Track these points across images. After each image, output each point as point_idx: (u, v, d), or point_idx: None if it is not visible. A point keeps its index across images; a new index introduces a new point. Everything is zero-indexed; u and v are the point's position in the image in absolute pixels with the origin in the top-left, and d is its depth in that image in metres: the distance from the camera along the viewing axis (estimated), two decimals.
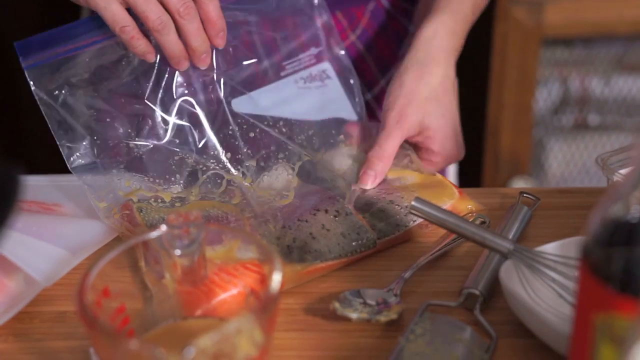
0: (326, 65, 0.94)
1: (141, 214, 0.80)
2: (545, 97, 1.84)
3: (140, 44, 0.82)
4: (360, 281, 0.76)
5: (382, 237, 0.79)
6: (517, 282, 0.69)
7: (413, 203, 0.73)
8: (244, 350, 0.56)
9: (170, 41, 0.82)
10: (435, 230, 0.81)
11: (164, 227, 0.65)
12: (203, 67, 0.86)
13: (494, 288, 0.72)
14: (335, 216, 0.80)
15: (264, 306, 0.58)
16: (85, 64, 0.84)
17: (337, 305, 0.70)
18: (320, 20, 0.94)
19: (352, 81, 0.95)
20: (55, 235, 0.76)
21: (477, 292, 0.71)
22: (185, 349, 0.53)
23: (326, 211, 0.80)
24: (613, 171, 0.77)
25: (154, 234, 0.65)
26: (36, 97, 0.82)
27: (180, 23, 0.81)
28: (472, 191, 0.87)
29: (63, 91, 0.83)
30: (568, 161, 1.90)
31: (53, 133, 0.83)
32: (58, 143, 0.83)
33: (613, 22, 1.73)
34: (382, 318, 0.69)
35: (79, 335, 0.70)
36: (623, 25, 1.73)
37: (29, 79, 0.82)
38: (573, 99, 1.81)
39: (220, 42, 0.85)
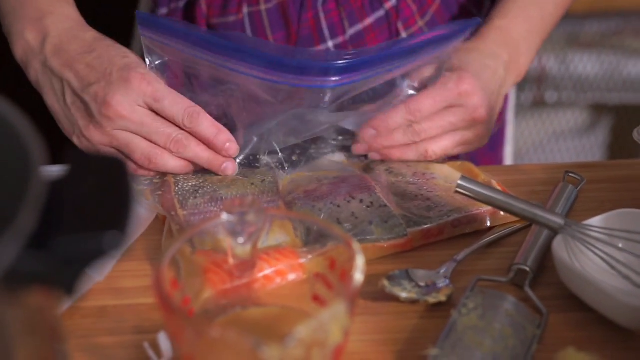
0: None
1: (176, 186, 0.80)
2: None
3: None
4: (407, 264, 0.74)
5: (412, 227, 0.76)
6: (566, 257, 0.69)
7: (459, 182, 0.72)
8: (334, 337, 0.55)
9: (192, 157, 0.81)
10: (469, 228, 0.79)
11: (225, 215, 0.63)
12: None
13: (543, 264, 0.72)
14: (368, 207, 0.78)
15: (353, 292, 0.57)
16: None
17: (386, 283, 0.69)
18: None
19: None
20: None
21: (526, 268, 0.71)
22: (286, 337, 0.51)
23: (361, 201, 0.78)
24: None
25: (214, 223, 0.63)
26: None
27: (177, 154, 0.80)
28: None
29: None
30: (526, 138, 1.93)
31: None
32: None
33: None
34: (431, 299, 0.69)
35: (126, 330, 0.67)
36: (578, 3, 1.74)
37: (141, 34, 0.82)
38: (531, 77, 1.84)
39: (232, 153, 0.80)
